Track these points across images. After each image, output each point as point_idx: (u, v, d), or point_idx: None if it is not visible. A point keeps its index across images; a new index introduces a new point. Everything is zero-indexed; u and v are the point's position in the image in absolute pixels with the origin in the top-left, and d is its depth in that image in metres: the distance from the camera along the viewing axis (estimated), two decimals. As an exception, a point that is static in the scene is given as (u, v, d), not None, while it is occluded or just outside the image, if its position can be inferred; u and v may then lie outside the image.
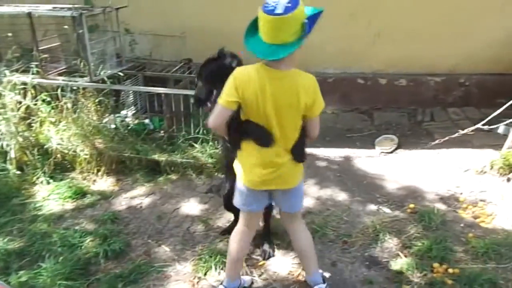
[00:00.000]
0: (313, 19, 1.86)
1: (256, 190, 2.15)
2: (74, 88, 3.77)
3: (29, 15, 3.85)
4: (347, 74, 4.97)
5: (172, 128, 3.96)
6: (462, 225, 2.94)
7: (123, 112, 4.28)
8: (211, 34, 4.77)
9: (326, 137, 4.25)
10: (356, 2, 4.66)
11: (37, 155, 3.59)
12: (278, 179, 2.10)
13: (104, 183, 3.58)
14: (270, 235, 2.78)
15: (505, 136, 3.66)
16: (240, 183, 2.18)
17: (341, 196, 3.34)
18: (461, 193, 3.33)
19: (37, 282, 2.49)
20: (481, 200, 3.23)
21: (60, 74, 4.14)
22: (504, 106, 3.39)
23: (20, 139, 3.61)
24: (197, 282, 2.54)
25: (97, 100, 3.80)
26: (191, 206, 3.26)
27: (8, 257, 2.71)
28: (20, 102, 3.66)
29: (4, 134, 3.54)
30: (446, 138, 3.60)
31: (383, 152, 4.08)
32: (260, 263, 2.65)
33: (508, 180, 3.40)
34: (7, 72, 3.72)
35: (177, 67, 4.57)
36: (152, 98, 4.31)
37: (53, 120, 3.68)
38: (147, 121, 4.25)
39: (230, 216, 3.07)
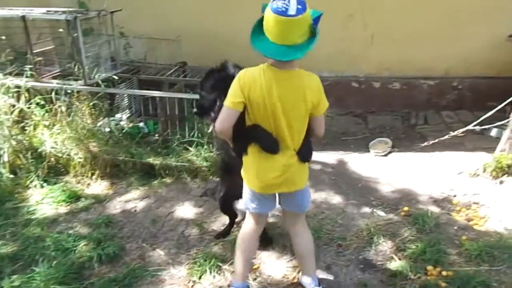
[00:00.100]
0: (316, 21, 1.89)
1: (264, 194, 2.17)
2: (68, 91, 3.76)
3: (23, 18, 3.84)
4: (342, 77, 5.00)
5: (167, 131, 3.95)
6: (455, 227, 2.96)
7: (118, 116, 4.27)
8: (206, 37, 4.79)
9: (321, 140, 4.27)
10: (350, 7, 4.69)
11: (30, 158, 3.57)
12: (287, 181, 2.11)
13: (98, 186, 3.57)
14: None
15: (497, 139, 3.70)
16: (249, 187, 2.18)
17: (336, 199, 3.35)
18: (455, 196, 3.36)
19: (30, 287, 2.47)
20: (475, 203, 3.25)
21: (54, 77, 4.13)
22: (496, 109, 3.42)
23: (14, 143, 3.59)
24: (192, 286, 2.54)
25: (91, 104, 3.79)
26: (186, 210, 3.25)
27: (1, 262, 2.69)
28: (13, 106, 3.64)
29: (-2, 137, 3.53)
30: (436, 140, 3.63)
31: (377, 155, 4.10)
32: (255, 267, 2.65)
33: (501, 182, 3.43)
34: (0, 75, 3.70)
35: (172, 71, 4.57)
36: (147, 101, 4.30)
37: (47, 123, 3.66)
38: (141, 124, 4.24)
39: (225, 220, 3.07)
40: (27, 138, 3.67)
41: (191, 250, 2.82)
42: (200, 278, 2.57)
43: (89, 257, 2.71)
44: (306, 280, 2.40)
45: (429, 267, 2.56)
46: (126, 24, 4.49)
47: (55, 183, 3.53)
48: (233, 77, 2.16)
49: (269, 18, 1.84)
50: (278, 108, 1.96)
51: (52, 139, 3.60)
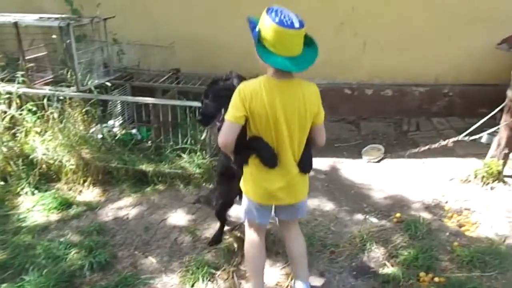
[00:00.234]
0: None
1: (264, 205, 2.17)
2: (61, 97, 3.74)
3: (15, 24, 3.83)
4: (334, 84, 5.03)
5: (160, 138, 3.94)
6: (447, 234, 2.98)
7: (110, 122, 4.25)
8: (199, 44, 4.81)
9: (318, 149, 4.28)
10: (342, 15, 4.74)
11: (21, 165, 3.54)
12: (289, 193, 2.12)
13: (90, 193, 3.54)
14: None
15: (488, 145, 3.73)
16: (249, 199, 2.18)
17: (329, 206, 3.36)
18: (446, 202, 3.38)
19: (20, 296, 2.45)
20: (466, 209, 3.27)
21: (46, 84, 4.11)
22: (486, 117, 3.46)
23: (4, 149, 3.56)
24: (184, 293, 2.52)
25: (84, 110, 3.77)
26: (179, 217, 3.24)
27: (-10, 270, 2.65)
28: (5, 112, 3.61)
29: (-12, 144, 3.50)
30: (426, 147, 3.66)
31: (370, 162, 4.12)
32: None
33: (492, 188, 3.47)
34: (-9, 81, 3.69)
35: (165, 77, 4.57)
36: (140, 108, 4.29)
37: (38, 130, 3.64)
38: (134, 131, 4.22)
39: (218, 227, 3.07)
40: (18, 145, 3.64)
41: (184, 258, 2.80)
42: (192, 286, 2.56)
43: (81, 265, 2.68)
44: (298, 285, 2.40)
45: (422, 274, 2.57)
46: (119, 31, 4.49)
47: (46, 190, 3.50)
48: (235, 88, 2.18)
49: (275, 32, 1.86)
50: (280, 119, 1.97)
51: (43, 146, 3.57)
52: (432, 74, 5.00)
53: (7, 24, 3.88)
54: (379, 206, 3.35)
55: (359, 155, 4.22)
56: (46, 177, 3.63)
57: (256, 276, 2.35)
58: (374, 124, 4.95)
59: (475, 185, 3.54)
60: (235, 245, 2.87)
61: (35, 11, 4.31)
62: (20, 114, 3.64)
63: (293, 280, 2.49)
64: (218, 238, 2.93)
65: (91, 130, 3.86)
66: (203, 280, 2.57)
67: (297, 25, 1.86)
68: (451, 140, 3.49)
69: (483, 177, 3.51)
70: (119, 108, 4.44)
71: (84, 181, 3.59)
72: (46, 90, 3.84)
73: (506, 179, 3.56)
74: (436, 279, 2.53)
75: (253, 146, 2.05)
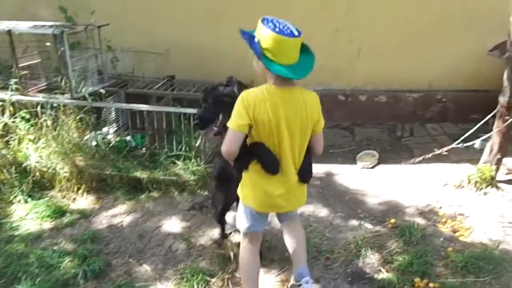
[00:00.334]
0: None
1: (261, 212, 2.17)
2: (55, 105, 3.73)
3: (9, 32, 3.82)
4: (329, 90, 5.05)
5: (154, 145, 3.94)
6: (441, 239, 2.99)
7: (105, 129, 4.24)
8: (194, 51, 4.82)
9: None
10: (336, 23, 4.78)
11: (14, 173, 3.51)
12: (288, 200, 2.14)
13: (84, 201, 3.52)
14: None
15: (481, 150, 3.76)
16: (247, 206, 2.18)
17: (324, 212, 3.36)
18: (440, 207, 3.40)
19: (12, 305, 2.42)
20: (460, 214, 3.29)
21: (40, 91, 4.09)
22: (479, 124, 3.49)
23: (-3, 157, 3.54)
24: (179, 301, 2.51)
25: (78, 117, 3.76)
26: (173, 224, 3.22)
27: (-18, 280, 2.63)
28: (-2, 120, 3.60)
29: (-19, 152, 3.47)
30: (421, 158, 3.66)
31: (364, 168, 4.13)
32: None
33: (485, 194, 3.49)
34: (-15, 89, 3.67)
35: (159, 84, 4.57)
36: (134, 115, 4.28)
37: (32, 137, 3.62)
38: (129, 138, 4.21)
39: (213, 234, 3.07)
40: (11, 153, 3.61)
41: (179, 265, 2.79)
42: (187, 293, 2.54)
43: (74, 274, 2.66)
44: (297, 271, 2.35)
45: (416, 279, 2.58)
46: (113, 38, 4.49)
47: (39, 198, 3.47)
48: (236, 94, 2.17)
49: (276, 41, 1.89)
50: (283, 126, 1.99)
51: (37, 154, 3.55)
52: (425, 80, 5.04)
53: (0, 32, 3.87)
54: (373, 212, 3.36)
55: (353, 161, 4.23)
56: (39, 185, 3.60)
57: (250, 283, 2.33)
58: (368, 130, 4.97)
59: (469, 191, 3.56)
60: (230, 252, 2.85)
61: (29, 18, 4.30)
62: (13, 122, 3.62)
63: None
64: (221, 239, 2.94)
65: (85, 138, 3.84)
66: (197, 288, 2.56)
67: (296, 33, 1.91)
68: (445, 148, 3.51)
69: (476, 182, 3.53)
70: (113, 115, 4.43)
71: (78, 189, 3.57)
72: (40, 97, 3.83)
73: (499, 184, 3.58)
74: (431, 284, 2.53)
75: (255, 152, 2.05)
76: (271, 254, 2.83)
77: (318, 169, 4.04)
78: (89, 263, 2.74)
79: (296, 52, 1.95)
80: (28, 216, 3.28)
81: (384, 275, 2.65)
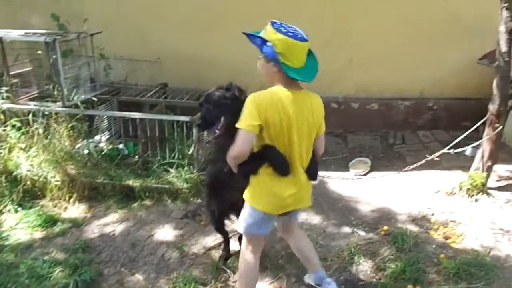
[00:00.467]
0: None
1: (269, 214, 2.18)
2: (46, 113, 3.71)
3: (0, 40, 3.80)
4: (322, 98, 5.07)
5: (147, 153, 3.92)
6: (434, 246, 3.00)
7: (97, 137, 4.22)
8: (186, 59, 4.83)
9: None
10: (328, 32, 4.82)
11: (5, 182, 3.48)
12: (298, 199, 2.17)
13: (76, 210, 3.49)
14: None
15: (472, 157, 3.80)
16: (255, 209, 2.17)
17: (316, 219, 3.36)
18: (432, 214, 3.41)
19: (2, 317, 2.39)
20: (452, 221, 3.31)
21: (31, 99, 4.08)
22: (470, 130, 3.53)
23: (-13, 166, 3.50)
24: (172, 311, 2.49)
25: (70, 126, 3.74)
26: (166, 232, 3.20)
27: (-29, 291, 2.59)
28: (-12, 128, 3.57)
29: (-29, 161, 3.43)
30: (415, 165, 3.67)
31: (357, 175, 4.15)
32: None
33: (476, 200, 3.51)
34: (-25, 97, 3.64)
35: (152, 92, 4.57)
36: (127, 123, 4.27)
37: (23, 146, 3.59)
38: (121, 146, 4.20)
39: (206, 243, 3.05)
40: (1, 162, 3.58)
41: (171, 274, 2.77)
42: (180, 303, 2.53)
43: (65, 284, 2.63)
44: (316, 275, 2.47)
45: (409, 286, 2.58)
46: (106, 46, 4.50)
47: (30, 207, 3.44)
48: (238, 98, 2.20)
49: (291, 45, 1.94)
50: (293, 128, 2.02)
51: (28, 162, 3.53)
52: (417, 88, 5.10)
53: (-8, 40, 3.86)
54: (366, 219, 3.37)
55: (346, 168, 4.25)
56: (30, 194, 3.57)
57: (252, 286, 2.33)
58: (360, 137, 5.00)
59: (460, 197, 3.58)
60: (224, 260, 2.85)
61: (21, 26, 4.29)
62: (4, 130, 3.60)
63: (307, 274, 2.59)
64: (228, 252, 2.90)
65: (77, 146, 3.83)
66: (190, 297, 2.55)
67: (306, 37, 1.98)
68: (437, 154, 3.54)
69: (468, 189, 3.56)
70: (105, 123, 4.42)
71: (70, 198, 3.54)
72: (31, 105, 3.81)
73: (490, 191, 3.61)
74: (424, 291, 2.54)
75: (266, 155, 2.06)
76: (264, 261, 2.81)
77: (311, 176, 4.05)
78: (81, 272, 2.71)
79: (305, 56, 2.02)
80: (18, 226, 3.24)
81: (377, 282, 2.65)
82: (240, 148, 1.99)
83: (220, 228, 2.83)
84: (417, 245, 2.99)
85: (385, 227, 3.19)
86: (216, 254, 2.94)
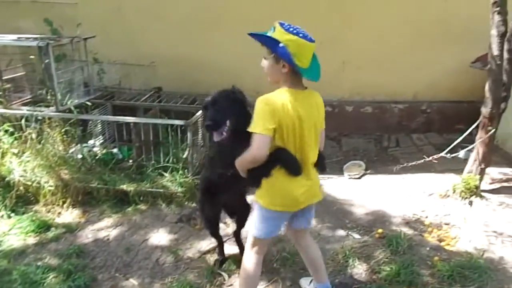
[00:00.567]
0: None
1: (286, 212, 2.19)
2: (39, 118, 3.69)
3: (-8, 45, 3.79)
4: (315, 101, 5.10)
5: (141, 157, 3.91)
6: (428, 248, 3.01)
7: (91, 142, 4.20)
8: (180, 63, 4.84)
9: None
10: (321, 35, 4.81)
11: (-3, 188, 3.46)
12: (312, 194, 2.20)
13: (70, 215, 3.47)
14: None
15: (465, 160, 3.82)
16: (268, 211, 2.16)
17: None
18: (426, 217, 3.43)
19: (-6, 324, 2.36)
20: (445, 224, 3.33)
21: (24, 104, 4.06)
22: (465, 134, 3.55)
23: (-20, 172, 3.47)
24: (166, 316, 2.48)
25: (63, 130, 3.73)
26: (161, 237, 3.19)
27: (-37, 298, 2.56)
28: (-20, 133, 3.55)
29: (-37, 166, 3.41)
30: (414, 162, 3.69)
31: (351, 178, 4.16)
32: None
33: (470, 203, 3.53)
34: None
35: (146, 96, 4.57)
36: (121, 127, 4.26)
37: (16, 151, 3.57)
38: (115, 150, 4.18)
39: (201, 247, 3.04)
40: (-6, 167, 3.56)
41: (166, 279, 2.76)
42: (174, 308, 2.52)
43: (59, 290, 2.61)
44: (322, 285, 2.47)
45: (404, 289, 2.59)
46: (100, 50, 4.49)
47: (23, 213, 3.41)
48: (242, 101, 2.22)
49: (302, 46, 1.98)
50: (304, 127, 2.05)
51: (21, 167, 3.50)
52: (410, 92, 5.13)
53: (-16, 44, 3.85)
54: (361, 222, 3.37)
55: (340, 171, 4.26)
56: (23, 200, 3.54)
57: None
58: (355, 140, 5.02)
59: (454, 200, 3.60)
60: (219, 264, 2.84)
61: (14, 31, 4.27)
62: (-4, 135, 3.58)
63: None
64: (222, 256, 2.89)
65: (71, 150, 3.81)
66: (185, 302, 2.54)
67: (313, 38, 2.01)
68: (436, 156, 3.54)
69: (461, 192, 3.58)
70: (99, 128, 4.40)
71: (63, 203, 3.52)
72: (24, 110, 3.79)
73: (483, 193, 3.63)
74: (418, 294, 2.55)
75: (279, 157, 2.07)
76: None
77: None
78: (74, 278, 2.69)
79: (311, 56, 2.05)
80: (11, 232, 3.21)
81: (372, 285, 2.65)
82: (257, 152, 1.98)
83: (215, 232, 2.83)
84: (411, 247, 3.00)
85: (380, 230, 3.20)
86: (211, 258, 2.93)
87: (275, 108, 1.98)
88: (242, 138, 2.03)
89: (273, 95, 2.04)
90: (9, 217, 3.36)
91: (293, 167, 2.09)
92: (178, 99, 4.55)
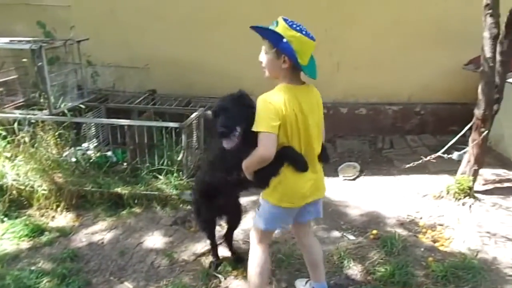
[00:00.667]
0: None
1: (294, 208, 2.20)
2: (32, 121, 3.66)
3: (-15, 48, 3.77)
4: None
5: (136, 160, 3.90)
6: (422, 249, 3.03)
7: (85, 145, 4.18)
8: (174, 65, 4.83)
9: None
10: (316, 37, 4.86)
11: (-10, 192, 3.43)
12: (317, 188, 2.22)
13: (64, 219, 3.44)
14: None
15: (459, 161, 3.84)
16: (278, 206, 2.17)
17: (306, 224, 3.37)
18: (421, 218, 3.45)
19: (-13, 329, 2.34)
20: (439, 224, 3.34)
21: (17, 107, 4.03)
22: (458, 135, 3.58)
23: (-28, 176, 3.44)
24: (161, 320, 2.47)
25: (57, 133, 3.71)
26: (155, 240, 3.18)
27: (-45, 303, 2.53)
28: (-27, 137, 3.52)
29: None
30: (413, 163, 3.69)
31: (346, 179, 4.18)
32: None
33: (463, 204, 3.56)
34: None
35: (140, 99, 4.55)
36: (115, 130, 4.24)
37: (8, 155, 3.54)
38: (109, 153, 4.16)
39: (196, 249, 3.04)
40: (-14, 171, 3.53)
41: (161, 282, 2.75)
42: (170, 311, 2.51)
43: (53, 294, 2.59)
44: (319, 285, 2.47)
45: (398, 290, 2.60)
46: (93, 53, 4.48)
47: (17, 217, 3.38)
48: (250, 106, 2.16)
49: (304, 43, 1.99)
50: (307, 122, 2.06)
51: (14, 171, 3.48)
52: (404, 94, 5.16)
53: (-24, 48, 3.82)
54: (355, 223, 3.38)
55: (335, 173, 4.27)
56: (16, 204, 3.51)
57: (262, 277, 2.30)
58: (349, 142, 5.03)
59: (448, 201, 3.63)
60: (215, 267, 2.84)
61: (6, 34, 4.24)
62: (-11, 139, 3.55)
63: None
64: (216, 258, 2.88)
65: (65, 154, 3.79)
66: (180, 305, 2.53)
67: (314, 36, 2.02)
68: (433, 156, 3.56)
69: (455, 193, 3.60)
70: (93, 131, 4.39)
71: (57, 206, 3.50)
72: (17, 113, 3.76)
73: (476, 194, 3.66)
74: (413, 295, 2.56)
75: (286, 156, 2.07)
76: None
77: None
78: (69, 282, 2.68)
79: (310, 54, 2.07)
80: (4, 236, 3.19)
81: (366, 286, 2.66)
82: (264, 151, 1.96)
83: (212, 235, 2.82)
84: (406, 248, 3.01)
85: (374, 231, 3.21)
86: (207, 260, 2.93)
87: (278, 105, 1.98)
88: (248, 142, 2.03)
89: (274, 93, 2.04)
90: (2, 221, 3.33)
91: (300, 164, 2.11)
92: (172, 102, 4.54)
